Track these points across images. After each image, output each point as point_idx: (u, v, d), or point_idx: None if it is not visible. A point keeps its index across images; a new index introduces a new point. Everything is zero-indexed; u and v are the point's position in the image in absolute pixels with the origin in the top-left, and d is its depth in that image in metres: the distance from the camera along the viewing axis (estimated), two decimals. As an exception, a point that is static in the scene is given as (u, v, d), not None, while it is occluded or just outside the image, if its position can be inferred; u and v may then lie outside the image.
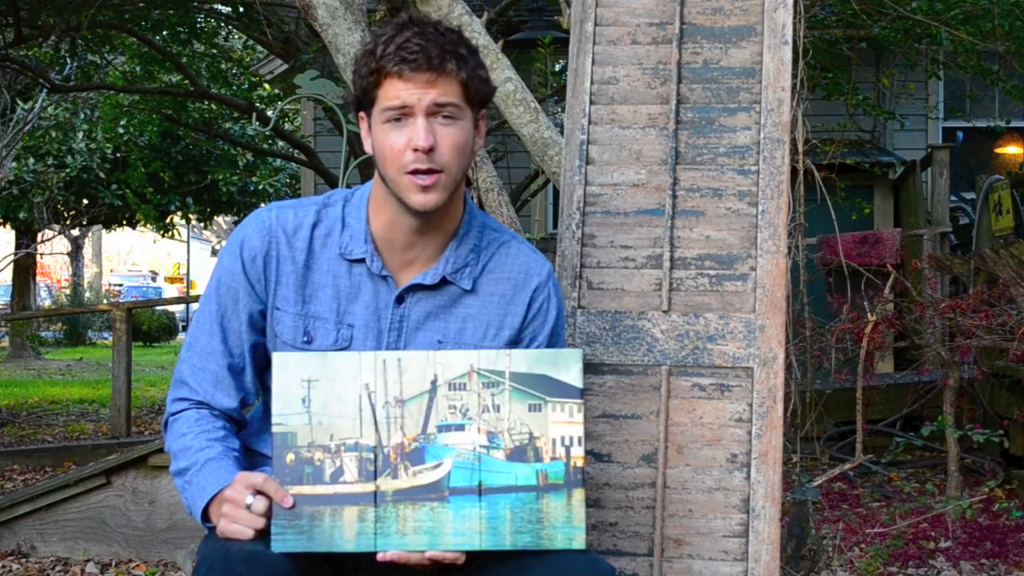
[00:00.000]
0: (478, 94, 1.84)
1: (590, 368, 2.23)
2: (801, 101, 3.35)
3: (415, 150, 1.77)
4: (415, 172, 1.78)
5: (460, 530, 1.69)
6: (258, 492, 1.71)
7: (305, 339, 1.88)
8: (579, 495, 1.72)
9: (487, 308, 1.92)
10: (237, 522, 1.71)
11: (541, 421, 1.73)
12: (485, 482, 1.70)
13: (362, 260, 1.89)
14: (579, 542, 1.71)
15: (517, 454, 1.72)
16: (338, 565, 1.81)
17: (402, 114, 1.78)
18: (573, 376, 1.74)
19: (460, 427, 1.72)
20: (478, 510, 1.70)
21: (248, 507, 1.70)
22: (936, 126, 10.22)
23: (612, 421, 2.21)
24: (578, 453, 1.73)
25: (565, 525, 1.71)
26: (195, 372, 1.90)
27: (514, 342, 1.92)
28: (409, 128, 1.78)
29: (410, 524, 1.69)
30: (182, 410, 1.90)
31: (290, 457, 1.71)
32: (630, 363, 2.23)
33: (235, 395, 1.90)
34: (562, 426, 1.73)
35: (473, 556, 1.72)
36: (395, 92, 1.78)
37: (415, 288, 1.89)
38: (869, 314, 5.16)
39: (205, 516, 1.79)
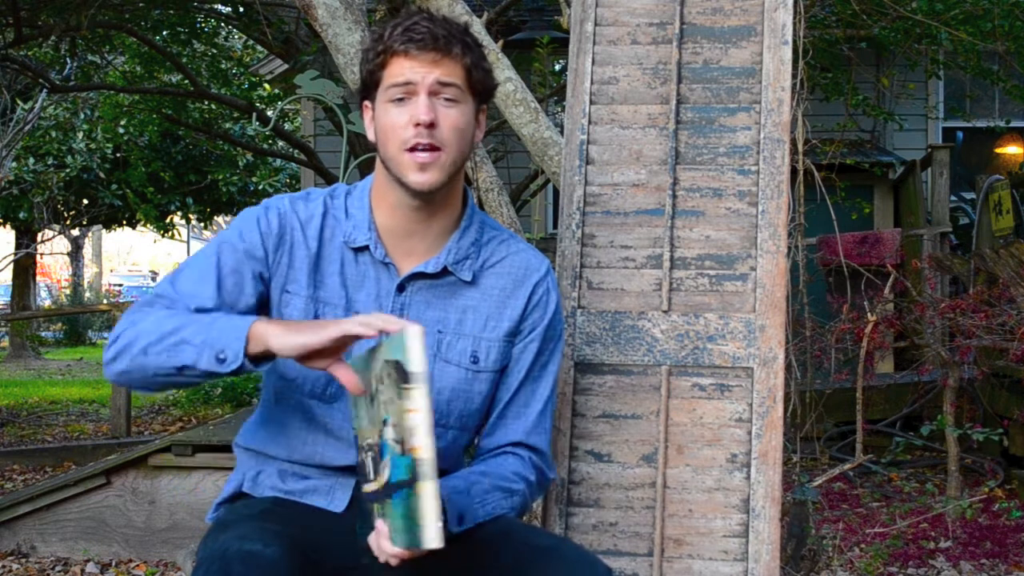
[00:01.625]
0: (480, 84, 1.87)
1: (590, 368, 2.23)
2: (801, 101, 3.35)
3: (416, 125, 1.80)
4: (415, 148, 1.81)
5: (394, 528, 1.65)
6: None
7: None
8: (423, 488, 1.57)
9: (487, 301, 1.93)
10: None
11: (399, 411, 1.62)
12: (392, 479, 1.64)
13: (365, 248, 1.90)
14: (430, 540, 1.57)
15: (398, 447, 1.63)
16: (334, 565, 1.81)
17: (406, 92, 1.82)
18: (412, 359, 1.59)
19: (385, 421, 1.66)
20: (397, 508, 1.64)
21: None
22: (936, 126, 10.22)
23: (612, 421, 2.21)
24: (417, 443, 1.58)
25: (420, 521, 1.59)
26: (165, 295, 1.85)
27: (513, 333, 1.93)
28: (412, 106, 1.82)
29: (387, 524, 1.66)
30: (153, 302, 1.83)
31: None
32: (630, 363, 2.23)
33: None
34: (409, 415, 1.60)
35: (466, 561, 1.71)
36: (400, 70, 1.82)
37: (416, 277, 1.91)
38: (869, 314, 5.16)
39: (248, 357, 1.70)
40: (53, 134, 14.59)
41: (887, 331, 6.42)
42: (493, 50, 3.07)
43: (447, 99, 1.83)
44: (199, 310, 1.81)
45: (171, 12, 9.44)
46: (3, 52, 9.32)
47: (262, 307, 1.91)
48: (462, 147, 1.86)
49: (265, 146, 13.84)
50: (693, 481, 2.18)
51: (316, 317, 1.89)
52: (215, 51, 10.91)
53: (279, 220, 1.90)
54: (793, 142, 3.17)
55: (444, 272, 1.91)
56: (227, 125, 13.40)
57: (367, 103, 1.91)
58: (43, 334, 20.58)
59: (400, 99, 1.82)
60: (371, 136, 1.91)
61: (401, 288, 1.90)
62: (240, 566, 1.64)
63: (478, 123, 1.91)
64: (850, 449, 6.30)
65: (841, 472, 4.78)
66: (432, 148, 1.81)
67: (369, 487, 1.72)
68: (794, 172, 3.15)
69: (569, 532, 2.18)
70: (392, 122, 1.83)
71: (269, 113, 11.10)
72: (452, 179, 1.87)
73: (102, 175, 15.45)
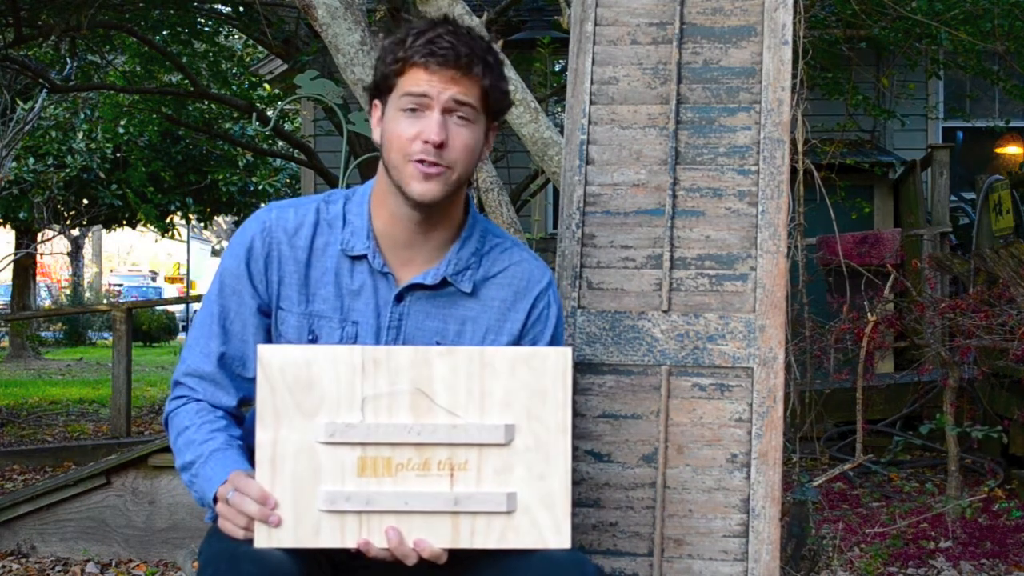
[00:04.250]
0: (496, 104, 1.86)
1: (590, 368, 2.23)
2: (801, 101, 3.35)
3: (425, 142, 1.78)
4: (421, 162, 1.79)
5: None
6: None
7: (310, 338, 1.88)
8: None
9: (487, 312, 1.92)
10: (228, 520, 1.72)
11: None
12: None
13: (363, 256, 1.89)
14: None
15: None
16: (338, 565, 1.81)
17: (419, 104, 1.79)
18: None
19: None
20: None
21: (227, 499, 1.71)
22: (936, 126, 10.22)
23: (612, 421, 2.21)
24: None
25: None
26: (191, 374, 1.90)
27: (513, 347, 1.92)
28: (424, 120, 1.79)
29: None
30: (180, 405, 1.90)
31: None
32: (630, 363, 2.22)
33: (234, 394, 1.90)
34: None
35: (460, 556, 1.72)
36: (417, 81, 1.79)
37: (415, 287, 1.89)
38: (869, 314, 5.16)
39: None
40: (53, 134, 14.60)
41: (887, 331, 6.42)
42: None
43: (460, 117, 1.80)
44: (214, 371, 1.90)
45: (171, 12, 9.45)
46: (3, 52, 9.32)
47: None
48: (469, 167, 1.84)
49: (265, 146, 13.84)
50: (693, 481, 2.18)
51: (311, 332, 1.89)
52: (215, 50, 10.91)
53: (263, 238, 1.89)
54: (793, 142, 3.18)
55: (443, 283, 1.90)
56: (227, 125, 13.41)
57: (376, 102, 1.89)
58: (43, 334, 20.59)
59: (412, 109, 1.80)
60: (376, 137, 1.88)
61: (399, 298, 1.89)
62: (251, 566, 1.64)
63: (487, 141, 1.89)
64: (850, 449, 6.31)
65: (841, 472, 4.78)
66: (436, 166, 1.79)
67: None
68: (794, 172, 3.16)
69: (569, 532, 2.18)
70: (401, 132, 1.80)
71: (269, 113, 11.10)
72: (454, 192, 1.85)
73: (102, 175, 15.45)
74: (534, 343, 1.93)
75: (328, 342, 1.87)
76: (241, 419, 1.95)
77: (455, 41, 1.79)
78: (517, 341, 1.92)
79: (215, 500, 1.76)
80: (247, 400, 1.92)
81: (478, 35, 1.86)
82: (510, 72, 3.08)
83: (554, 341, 1.95)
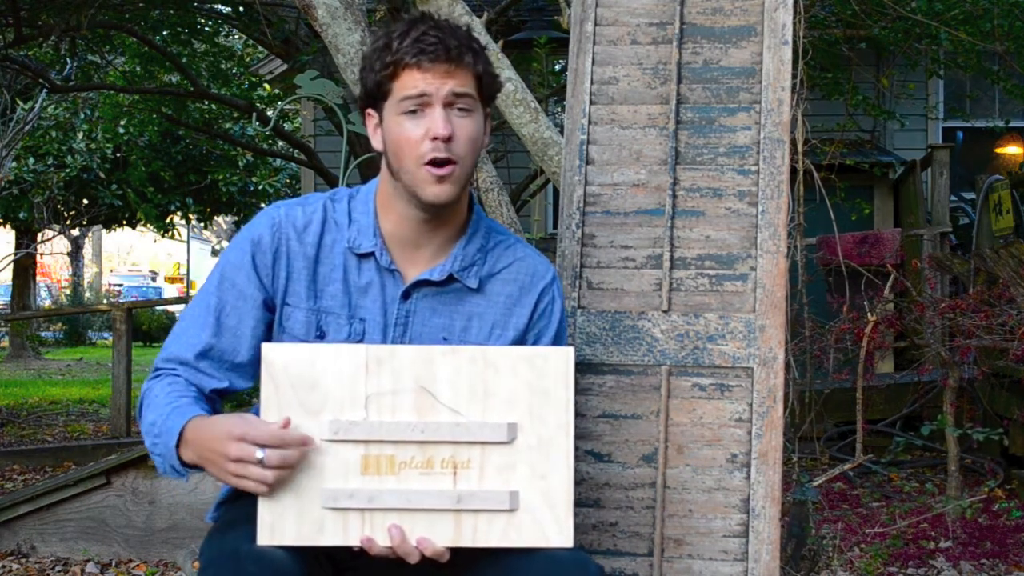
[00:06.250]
0: (489, 89, 1.87)
1: (590, 368, 2.23)
2: (801, 101, 3.35)
3: (434, 139, 1.78)
4: (433, 163, 1.79)
5: None
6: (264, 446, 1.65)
7: (318, 334, 1.88)
8: None
9: (493, 308, 1.93)
10: (249, 478, 1.65)
11: None
12: None
13: (371, 254, 1.89)
14: None
15: None
16: (340, 564, 1.81)
17: (420, 104, 1.80)
18: None
19: None
20: None
21: (260, 461, 1.63)
22: (936, 126, 10.22)
23: (612, 421, 2.21)
24: None
25: None
26: (170, 359, 1.87)
27: (519, 342, 1.93)
28: (427, 119, 1.80)
29: None
30: (157, 380, 1.86)
31: None
32: (630, 363, 2.23)
33: (217, 380, 1.87)
34: None
35: (462, 555, 1.72)
36: (412, 82, 1.79)
37: (421, 284, 1.90)
38: (869, 314, 5.16)
39: (183, 462, 1.74)
40: (53, 134, 14.60)
41: (887, 331, 6.42)
42: (493, 50, 3.07)
43: (461, 109, 1.81)
44: (195, 360, 1.85)
45: (171, 12, 9.45)
46: (3, 52, 9.32)
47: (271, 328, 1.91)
48: (475, 157, 1.85)
49: (265, 146, 13.83)
50: (693, 481, 2.18)
51: (319, 329, 1.88)
52: (216, 50, 10.90)
53: (272, 233, 1.88)
54: (793, 142, 3.18)
55: (450, 279, 1.90)
56: (227, 125, 13.41)
57: (371, 111, 1.88)
58: (43, 334, 20.60)
59: (413, 111, 1.80)
60: (377, 145, 1.88)
61: (406, 295, 1.90)
62: (253, 566, 1.64)
63: (485, 129, 1.90)
64: (850, 449, 6.31)
65: (841, 472, 4.78)
66: (449, 162, 1.80)
67: None
68: (794, 172, 3.16)
69: (569, 532, 2.18)
70: (407, 136, 1.80)
71: (269, 113, 11.10)
72: (464, 188, 1.86)
73: (102, 175, 15.45)
74: (539, 337, 1.94)
75: (336, 338, 1.88)
76: (217, 405, 1.92)
77: (441, 35, 1.80)
78: (522, 336, 1.93)
79: (180, 460, 1.73)
80: (231, 391, 1.89)
81: (457, 25, 1.87)
82: (510, 72, 3.08)
83: (558, 336, 1.96)
